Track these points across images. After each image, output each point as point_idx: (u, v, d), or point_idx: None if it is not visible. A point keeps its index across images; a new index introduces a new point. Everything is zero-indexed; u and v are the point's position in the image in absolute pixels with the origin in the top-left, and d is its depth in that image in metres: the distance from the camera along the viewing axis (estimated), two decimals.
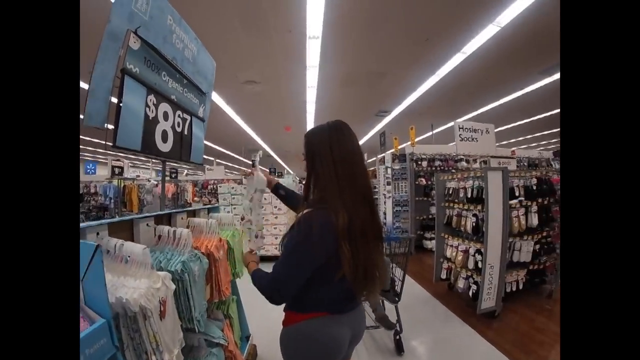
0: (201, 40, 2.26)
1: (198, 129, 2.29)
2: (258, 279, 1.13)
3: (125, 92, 1.45)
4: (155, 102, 1.70)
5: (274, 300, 1.08)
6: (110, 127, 1.44)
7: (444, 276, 3.95)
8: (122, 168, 6.09)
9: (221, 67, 5.80)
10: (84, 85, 1.41)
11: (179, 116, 1.99)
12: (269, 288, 1.07)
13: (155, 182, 7.69)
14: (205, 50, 2.34)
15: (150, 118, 1.67)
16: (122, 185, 6.02)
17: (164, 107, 1.80)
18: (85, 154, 16.15)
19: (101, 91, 1.38)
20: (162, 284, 1.23)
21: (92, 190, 6.65)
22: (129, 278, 1.19)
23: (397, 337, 2.66)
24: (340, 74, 6.11)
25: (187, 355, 1.64)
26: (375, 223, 1.14)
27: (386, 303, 2.85)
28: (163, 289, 1.23)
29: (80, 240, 1.01)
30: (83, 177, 8.57)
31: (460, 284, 3.51)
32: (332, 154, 1.09)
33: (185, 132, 2.11)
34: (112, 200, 6.05)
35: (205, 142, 10.76)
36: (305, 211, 1.08)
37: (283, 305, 1.17)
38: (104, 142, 1.42)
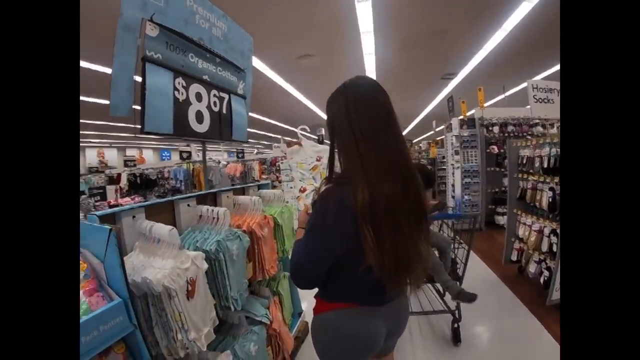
0: (245, 18, 2.21)
1: (239, 105, 2.29)
2: (293, 255, 1.01)
3: (148, 79, 1.46)
4: (184, 84, 1.71)
5: (298, 284, 0.98)
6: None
7: (514, 258, 3.49)
8: (189, 152, 6.56)
9: (273, 45, 5.90)
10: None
11: (214, 95, 1.99)
12: (294, 273, 0.98)
13: (226, 163, 8.18)
14: (237, 27, 2.29)
15: (181, 100, 1.69)
16: (191, 168, 6.50)
17: (196, 88, 1.81)
18: (160, 143, 17.82)
19: (124, 82, 1.42)
20: (191, 264, 1.25)
21: (166, 175, 7.28)
22: (158, 258, 1.22)
23: (455, 325, 2.41)
24: (397, 36, 5.67)
25: (227, 332, 1.70)
26: (412, 199, 0.92)
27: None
28: (193, 269, 1.25)
29: (99, 225, 1.06)
30: (158, 164, 9.49)
31: (532, 268, 3.07)
32: (349, 119, 0.91)
33: (224, 111, 2.11)
34: (183, 183, 6.58)
35: (270, 121, 11.15)
36: (323, 188, 0.95)
37: None
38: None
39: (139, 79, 1.47)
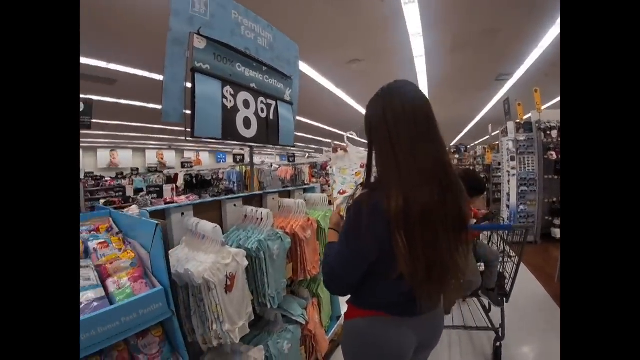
0: (292, 26, 2.29)
1: (286, 111, 2.37)
2: (326, 257, 1.03)
3: (197, 88, 1.59)
4: (232, 92, 1.82)
5: (331, 289, 1.01)
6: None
7: None
8: (242, 155, 6.88)
9: (322, 51, 5.99)
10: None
11: (262, 102, 2.09)
12: (326, 276, 0.99)
13: (277, 166, 8.45)
14: (282, 35, 2.38)
15: (229, 107, 1.80)
16: (244, 171, 6.82)
17: (244, 95, 1.92)
18: (216, 146, 18.74)
19: (175, 91, 1.57)
20: (232, 260, 1.33)
21: (220, 176, 7.71)
22: (201, 253, 1.33)
23: (498, 344, 2.27)
24: (447, 37, 5.47)
25: (262, 328, 1.78)
26: (451, 208, 0.89)
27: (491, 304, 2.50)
28: (233, 265, 1.33)
29: (148, 220, 1.18)
30: (213, 165, 10.05)
31: None
32: (386, 123, 0.89)
33: (271, 117, 2.20)
34: (235, 184, 6.92)
35: (321, 125, 11.28)
36: (358, 194, 0.95)
37: None
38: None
39: (189, 84, 1.61)
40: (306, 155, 17.26)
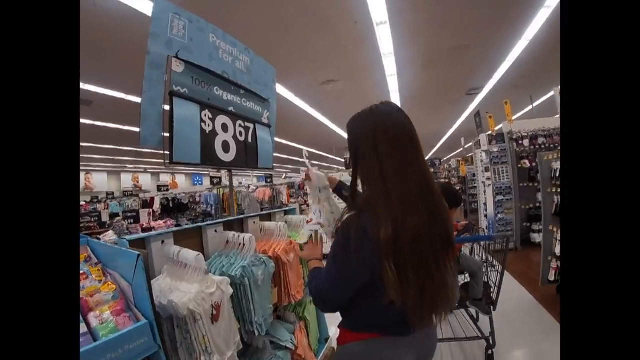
0: (267, 48, 2.32)
1: (264, 134, 2.37)
2: (312, 280, 1.03)
3: (175, 112, 1.57)
4: (210, 116, 1.81)
5: (322, 309, 1.01)
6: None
7: (552, 278, 3.31)
8: (220, 178, 6.79)
9: (297, 73, 6.09)
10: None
11: (240, 125, 2.08)
12: (316, 299, 0.99)
13: (255, 188, 8.37)
14: (260, 58, 2.41)
15: (208, 132, 1.78)
16: (222, 193, 6.72)
17: (222, 119, 1.91)
18: (193, 170, 18.46)
19: (153, 115, 1.54)
20: (216, 289, 1.29)
21: (197, 200, 7.57)
22: (184, 282, 1.27)
23: (490, 352, 2.31)
24: (418, 55, 5.70)
25: (251, 356, 1.71)
26: (438, 228, 0.89)
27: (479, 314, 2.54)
28: (218, 294, 1.29)
29: (128, 250, 1.13)
30: (190, 188, 9.88)
31: None
32: (375, 144, 0.88)
33: (250, 140, 2.20)
34: (213, 207, 6.80)
35: (297, 145, 11.33)
36: (346, 215, 0.94)
37: None
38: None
39: (167, 107, 1.59)
40: (283, 175, 17.21)
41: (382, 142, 0.89)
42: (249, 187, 8.15)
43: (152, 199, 7.45)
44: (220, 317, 1.27)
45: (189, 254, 1.33)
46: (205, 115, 1.76)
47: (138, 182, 17.83)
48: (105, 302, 1.05)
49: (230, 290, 1.37)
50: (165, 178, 17.92)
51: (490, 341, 2.33)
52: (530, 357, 2.47)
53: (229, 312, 1.35)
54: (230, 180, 2.27)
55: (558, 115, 4.83)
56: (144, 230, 5.12)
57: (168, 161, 1.55)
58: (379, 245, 0.81)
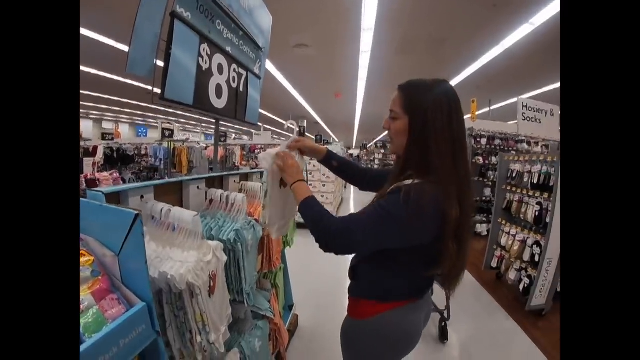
0: None
1: (253, 87, 2.12)
2: (318, 214, 0.91)
3: (175, 39, 1.27)
4: (209, 53, 1.52)
5: (329, 247, 0.87)
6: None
7: (494, 264, 3.68)
8: (172, 131, 6.19)
9: (272, 30, 5.65)
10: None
11: (234, 70, 1.82)
12: (333, 235, 0.86)
13: (205, 145, 7.83)
14: (262, 3, 2.12)
15: (204, 69, 1.51)
16: (172, 147, 6.14)
17: (219, 58, 1.63)
18: (136, 118, 16.93)
19: (147, 35, 1.21)
20: (212, 256, 1.09)
21: (143, 152, 6.86)
22: (176, 249, 1.05)
23: (443, 324, 2.51)
24: (397, 37, 5.60)
25: (231, 327, 1.54)
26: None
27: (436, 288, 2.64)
28: (214, 262, 1.10)
29: (118, 207, 0.87)
30: (134, 140, 8.96)
31: (512, 275, 3.24)
32: (450, 118, 0.86)
33: (241, 89, 1.94)
34: (162, 162, 6.23)
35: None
36: (415, 181, 0.86)
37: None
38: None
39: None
40: (232, 137, 16.41)
41: (455, 118, 0.88)
42: (198, 143, 7.59)
43: (95, 147, 6.50)
44: (216, 289, 1.09)
45: (184, 214, 1.10)
46: (203, 49, 1.47)
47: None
48: (82, 281, 0.76)
49: (225, 257, 1.19)
50: (107, 126, 16.09)
51: (445, 314, 2.53)
52: (476, 332, 2.67)
53: (223, 283, 1.19)
54: (217, 130, 1.98)
55: (514, 122, 5.12)
56: (88, 182, 4.46)
57: (158, 97, 1.25)
58: (449, 222, 0.81)
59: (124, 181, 5.58)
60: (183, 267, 0.95)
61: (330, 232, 0.86)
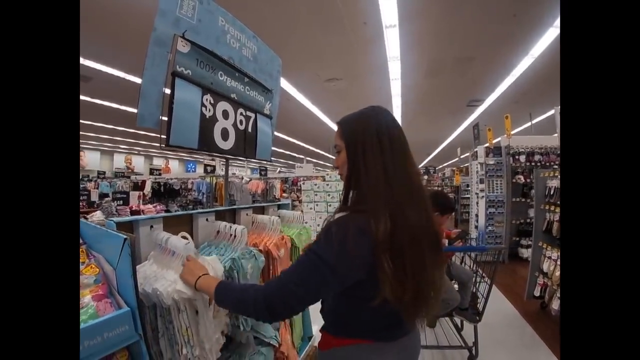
0: (275, 40, 2.28)
1: (264, 125, 2.31)
2: (239, 292, 0.96)
3: (176, 94, 1.50)
4: (212, 102, 1.75)
5: (273, 315, 0.87)
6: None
7: (537, 293, 3.34)
8: (214, 167, 6.72)
9: (302, 68, 6.06)
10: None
11: (241, 114, 2.03)
12: (269, 298, 0.85)
13: (248, 179, 8.29)
14: (267, 48, 2.36)
15: (208, 117, 1.73)
16: (214, 182, 6.64)
17: (223, 105, 1.85)
18: (183, 155, 18.29)
19: (153, 94, 1.48)
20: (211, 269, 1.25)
21: (189, 186, 7.47)
22: (171, 271, 1.22)
23: None
24: (424, 62, 5.72)
25: (233, 350, 1.67)
26: (432, 230, 0.91)
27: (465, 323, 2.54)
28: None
29: (115, 232, 1.08)
30: (181, 175, 9.76)
31: (555, 305, 2.90)
32: (380, 143, 0.88)
33: (250, 130, 2.14)
34: (205, 195, 6.72)
35: (294, 141, 11.36)
36: (337, 216, 0.89)
37: None
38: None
39: (167, 91, 1.53)
40: (277, 170, 17.09)
41: (386, 138, 0.89)
42: (242, 178, 8.06)
43: (144, 181, 7.32)
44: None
45: (179, 242, 1.28)
46: (206, 99, 1.71)
47: (131, 163, 17.57)
48: (86, 286, 1.00)
49: (220, 268, 1.32)
50: (158, 162, 17.71)
51: (473, 351, 2.35)
52: None
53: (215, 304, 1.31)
54: (226, 169, 2.22)
55: (557, 134, 4.86)
56: (132, 212, 5.01)
57: (164, 145, 1.49)
58: (377, 240, 0.79)
59: (169, 212, 6.12)
60: (171, 286, 1.12)
61: (265, 299, 0.85)
